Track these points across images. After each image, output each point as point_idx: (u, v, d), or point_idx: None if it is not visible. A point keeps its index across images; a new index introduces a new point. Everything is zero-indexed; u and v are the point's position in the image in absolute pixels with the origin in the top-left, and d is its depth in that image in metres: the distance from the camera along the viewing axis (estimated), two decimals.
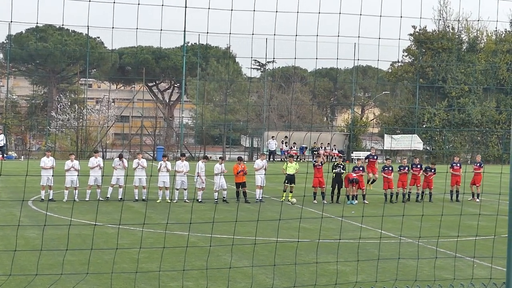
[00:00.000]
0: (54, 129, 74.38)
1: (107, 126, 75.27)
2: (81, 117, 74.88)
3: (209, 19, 11.66)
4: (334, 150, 70.94)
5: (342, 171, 32.08)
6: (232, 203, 30.27)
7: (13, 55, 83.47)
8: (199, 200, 30.42)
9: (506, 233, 9.97)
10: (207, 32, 12.52)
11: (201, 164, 31.03)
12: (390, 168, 32.97)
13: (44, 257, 16.26)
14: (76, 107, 76.59)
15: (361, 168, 32.82)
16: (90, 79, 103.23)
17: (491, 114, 78.67)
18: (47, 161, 30.25)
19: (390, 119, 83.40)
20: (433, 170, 33.74)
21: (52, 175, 29.14)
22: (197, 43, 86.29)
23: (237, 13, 11.55)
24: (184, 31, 71.17)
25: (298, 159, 69.14)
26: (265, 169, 32.04)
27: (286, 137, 73.67)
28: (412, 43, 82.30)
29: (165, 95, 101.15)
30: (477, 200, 33.32)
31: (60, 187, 30.75)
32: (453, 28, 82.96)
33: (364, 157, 36.47)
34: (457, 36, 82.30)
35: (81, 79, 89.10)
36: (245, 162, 32.90)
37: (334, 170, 31.93)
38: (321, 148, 71.57)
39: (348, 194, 31.87)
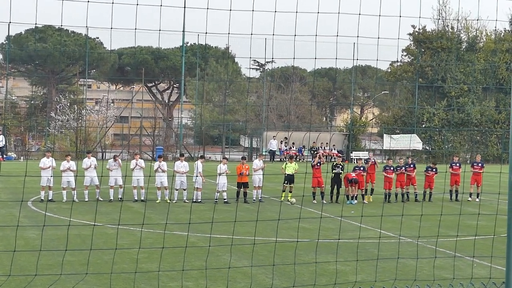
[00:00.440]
0: (53, 130, 74.34)
1: (107, 127, 75.26)
2: (80, 117, 74.85)
3: (208, 19, 11.66)
4: (333, 150, 70.94)
5: (341, 171, 32.07)
6: (232, 203, 30.26)
7: (12, 55, 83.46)
8: (199, 200, 30.39)
9: (505, 233, 9.98)
10: (206, 32, 12.53)
11: (200, 164, 31.02)
12: (392, 168, 32.96)
13: (43, 258, 16.26)
14: (76, 107, 76.56)
15: (361, 168, 32.77)
16: (89, 80, 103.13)
17: (491, 114, 78.68)
18: (47, 161, 30.27)
19: (390, 119, 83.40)
20: (434, 170, 33.75)
21: (52, 176, 29.14)
22: (196, 43, 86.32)
23: (236, 13, 11.56)
24: (183, 31, 71.24)
25: (298, 160, 69.18)
26: (262, 169, 32.00)
27: (285, 138, 73.63)
28: (411, 42, 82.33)
29: (164, 95, 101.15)
30: (477, 199, 33.27)
31: (60, 187, 30.75)
32: (452, 28, 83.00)
33: (364, 160, 36.12)
34: (456, 36, 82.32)
35: (80, 80, 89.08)
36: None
37: (333, 171, 31.93)
38: (321, 148, 71.57)
39: (347, 194, 31.85)
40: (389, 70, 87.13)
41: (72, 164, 30.49)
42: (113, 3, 10.63)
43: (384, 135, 77.42)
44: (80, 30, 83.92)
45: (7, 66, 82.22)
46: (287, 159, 37.00)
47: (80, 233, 20.85)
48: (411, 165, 33.80)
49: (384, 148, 76.51)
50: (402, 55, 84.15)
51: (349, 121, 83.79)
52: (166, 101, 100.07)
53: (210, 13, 11.40)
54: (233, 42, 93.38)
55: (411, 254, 17.73)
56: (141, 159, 32.52)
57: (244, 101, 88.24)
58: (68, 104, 78.14)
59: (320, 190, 31.75)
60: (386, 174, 32.78)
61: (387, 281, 14.57)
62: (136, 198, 30.78)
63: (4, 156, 64.27)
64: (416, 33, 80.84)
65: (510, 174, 9.86)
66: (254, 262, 16.18)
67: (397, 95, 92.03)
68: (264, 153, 57.82)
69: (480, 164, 34.31)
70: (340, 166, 32.27)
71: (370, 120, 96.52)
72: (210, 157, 73.48)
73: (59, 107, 77.23)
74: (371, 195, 32.76)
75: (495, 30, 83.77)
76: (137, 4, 10.75)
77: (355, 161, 59.08)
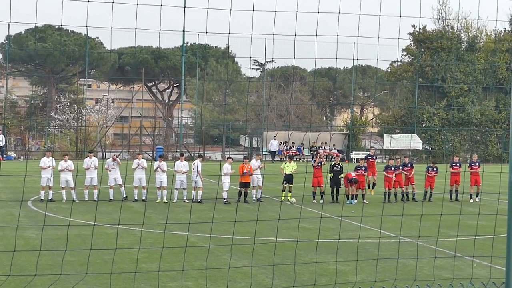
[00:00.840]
0: (53, 129, 74.35)
1: (107, 126, 75.26)
2: (80, 117, 74.86)
3: (208, 19, 11.65)
4: (333, 150, 70.94)
5: (339, 171, 32.01)
6: (232, 203, 30.26)
7: (12, 55, 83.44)
8: (199, 200, 30.38)
9: (505, 233, 9.97)
10: (206, 32, 12.52)
11: (199, 163, 31.00)
12: (392, 168, 32.94)
13: (43, 257, 16.26)
14: (76, 107, 76.56)
15: (363, 168, 32.73)
16: (89, 79, 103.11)
17: (491, 114, 78.68)
18: (47, 161, 30.27)
19: (390, 118, 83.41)
20: (435, 169, 33.72)
21: (52, 176, 29.14)
22: (196, 43, 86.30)
23: (236, 13, 11.55)
24: (183, 31, 71.18)
25: (298, 159, 69.18)
26: (260, 169, 31.97)
27: (285, 142, 73.43)
28: (412, 42, 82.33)
29: (164, 95, 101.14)
30: (477, 199, 33.20)
31: (60, 187, 30.75)
32: (452, 28, 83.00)
33: (363, 158, 36.09)
34: (456, 36, 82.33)
35: (80, 79, 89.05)
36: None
37: (332, 171, 31.89)
38: (321, 147, 71.57)
39: (347, 194, 31.84)
40: (389, 70, 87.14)
41: (70, 164, 30.49)
42: (113, 2, 10.63)
43: (384, 134, 77.43)
44: (80, 29, 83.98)
45: (7, 66, 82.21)
46: (286, 159, 37.00)
47: (80, 233, 20.85)
48: (409, 165, 33.76)
49: (384, 147, 76.52)
50: (402, 55, 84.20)
51: (349, 121, 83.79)
52: (166, 101, 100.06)
53: (210, 13, 11.39)
54: (233, 41, 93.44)
55: (411, 254, 17.72)
56: (144, 159, 32.54)
57: (244, 101, 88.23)
58: (68, 104, 78.14)
59: (320, 190, 31.75)
60: (386, 174, 32.77)
61: (387, 281, 14.56)
62: (136, 198, 30.77)
63: (4, 155, 64.29)
64: (416, 33, 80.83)
65: (510, 174, 9.86)
66: (254, 262, 16.18)
67: (397, 94, 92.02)
68: (264, 153, 57.80)
69: (477, 164, 34.27)
70: (339, 166, 32.26)
71: (370, 119, 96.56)
72: (210, 157, 73.53)
73: (59, 106, 77.24)
74: (373, 188, 32.80)
75: (495, 30, 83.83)
76: (137, 4, 10.74)
77: (356, 161, 59.03)
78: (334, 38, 11.86)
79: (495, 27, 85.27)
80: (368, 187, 33.00)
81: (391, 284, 13.92)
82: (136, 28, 11.84)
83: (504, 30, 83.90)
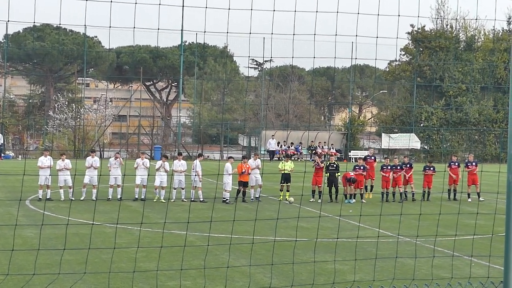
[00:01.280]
0: (51, 129, 74.35)
1: (105, 126, 75.25)
2: (78, 116, 74.87)
3: (207, 18, 11.64)
4: (331, 149, 70.98)
5: (335, 170, 31.98)
6: (231, 203, 30.26)
7: (10, 54, 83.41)
8: (201, 199, 30.37)
9: (504, 232, 9.97)
10: (205, 31, 12.52)
11: (199, 163, 30.98)
12: (389, 167, 32.95)
13: (41, 257, 16.25)
14: (74, 106, 76.58)
15: (361, 167, 32.71)
16: (87, 79, 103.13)
17: (489, 113, 78.75)
18: (45, 160, 30.25)
19: (388, 118, 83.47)
20: (432, 168, 33.72)
21: (50, 175, 29.13)
22: (195, 42, 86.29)
23: (235, 12, 11.56)
24: (182, 30, 71.24)
25: (296, 159, 69.21)
26: (259, 168, 31.96)
27: (284, 141, 73.42)
28: (410, 41, 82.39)
29: (163, 94, 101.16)
30: (481, 199, 33.09)
31: (58, 186, 30.74)
32: (451, 27, 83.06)
33: (362, 158, 35.96)
34: (454, 35, 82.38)
35: (78, 79, 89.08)
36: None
37: (327, 170, 31.89)
38: (318, 147, 71.62)
39: (346, 193, 31.86)
40: (387, 69, 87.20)
41: (67, 163, 30.50)
42: (111, 1, 10.61)
43: (383, 134, 77.48)
44: (78, 28, 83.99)
45: (5, 65, 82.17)
46: (283, 158, 37.01)
47: (78, 232, 20.83)
48: (407, 165, 33.73)
49: (382, 147, 76.58)
50: (400, 54, 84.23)
51: (347, 120, 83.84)
52: (165, 100, 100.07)
53: (208, 12, 11.38)
54: (231, 41, 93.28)
55: (410, 254, 17.74)
56: (146, 158, 32.53)
57: (242, 100, 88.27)
58: (66, 103, 78.16)
59: (318, 189, 31.78)
60: (383, 173, 32.76)
61: (385, 280, 14.57)
62: (136, 197, 30.76)
63: (2, 155, 64.28)
64: (415, 33, 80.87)
65: (509, 174, 9.85)
66: (252, 261, 16.18)
67: (396, 94, 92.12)
68: (262, 153, 57.81)
69: (474, 164, 34.21)
70: (334, 166, 32.23)
71: (369, 119, 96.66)
72: (208, 156, 73.54)
73: (57, 105, 77.24)
74: (370, 191, 32.68)
75: (494, 29, 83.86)
76: (136, 3, 10.73)
77: (354, 160, 59.04)
78: (332, 38, 11.87)
79: (493, 26, 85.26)
80: (366, 190, 32.84)
81: (389, 283, 13.92)
82: (134, 27, 11.84)
83: (502, 30, 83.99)
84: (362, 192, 32.41)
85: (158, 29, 12.03)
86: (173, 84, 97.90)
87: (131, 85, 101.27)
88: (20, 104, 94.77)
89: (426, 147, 79.05)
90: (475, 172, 33.43)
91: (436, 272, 15.44)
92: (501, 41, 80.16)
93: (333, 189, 31.99)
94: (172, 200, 30.31)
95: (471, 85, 78.31)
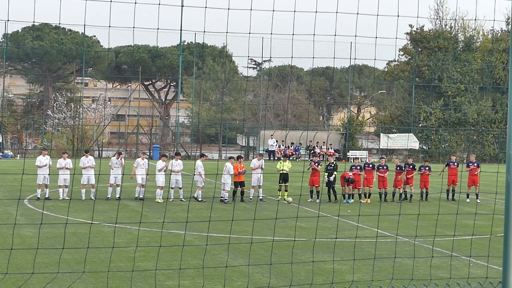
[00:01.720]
0: (50, 128, 74.36)
1: (103, 125, 75.24)
2: (77, 115, 74.86)
3: (206, 18, 11.65)
4: (330, 149, 71.01)
5: (334, 170, 31.97)
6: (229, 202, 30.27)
7: (9, 53, 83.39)
8: (200, 199, 30.37)
9: (502, 232, 9.98)
10: (204, 31, 12.51)
11: (200, 163, 30.95)
12: (385, 167, 32.91)
13: (40, 256, 16.25)
14: (72, 105, 76.59)
15: (358, 167, 32.71)
16: (86, 78, 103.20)
17: (487, 113, 78.81)
18: (43, 159, 30.23)
19: (386, 118, 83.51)
20: (427, 168, 33.67)
21: (49, 174, 29.11)
22: (194, 42, 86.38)
23: (234, 12, 11.57)
24: (181, 30, 71.30)
25: (294, 158, 69.23)
26: (262, 169, 31.95)
27: (282, 141, 73.42)
28: (409, 42, 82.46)
29: (161, 94, 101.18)
30: (478, 200, 33.11)
31: (56, 185, 30.74)
32: (450, 27, 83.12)
33: (361, 159, 35.83)
34: (453, 35, 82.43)
35: (77, 78, 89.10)
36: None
37: (327, 171, 31.87)
38: (317, 147, 71.64)
39: (344, 193, 31.88)
40: (386, 70, 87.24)
41: (69, 162, 30.48)
42: (111, 1, 10.62)
43: (381, 134, 77.52)
44: (77, 28, 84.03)
45: (4, 64, 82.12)
46: (282, 158, 36.99)
47: (77, 232, 20.82)
48: (410, 166, 33.68)
49: (381, 147, 76.61)
50: (399, 54, 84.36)
51: (346, 120, 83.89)
52: (163, 100, 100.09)
53: (207, 12, 11.40)
54: (230, 41, 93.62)
55: (408, 254, 17.75)
56: (146, 159, 32.49)
57: (241, 100, 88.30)
58: (65, 102, 78.15)
59: (316, 189, 31.80)
60: (379, 174, 32.73)
61: (383, 280, 14.57)
62: (137, 196, 30.74)
63: (1, 154, 64.26)
64: (414, 33, 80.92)
65: (507, 174, 9.87)
66: (250, 261, 16.19)
67: (394, 94, 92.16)
68: (261, 152, 57.80)
69: (475, 164, 34.14)
70: (333, 165, 32.22)
71: (367, 119, 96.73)
72: (206, 156, 73.48)
73: (56, 105, 77.24)
74: (368, 197, 32.49)
75: (492, 29, 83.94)
76: (135, 3, 10.74)
77: (352, 160, 59.06)
78: (331, 38, 11.95)
79: (492, 27, 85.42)
80: (365, 197, 32.65)
81: (387, 283, 13.93)
82: (133, 27, 11.84)
83: (501, 30, 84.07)
84: (361, 192, 32.39)
85: (157, 28, 12.04)
86: (171, 84, 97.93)
87: (129, 84, 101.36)
88: (19, 103, 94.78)
89: (424, 147, 79.09)
90: (476, 173, 33.39)
91: (435, 272, 15.45)
92: (500, 42, 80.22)
93: (331, 191, 31.98)
94: (171, 200, 30.29)
95: (470, 86, 78.37)
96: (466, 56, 79.46)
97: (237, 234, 21.09)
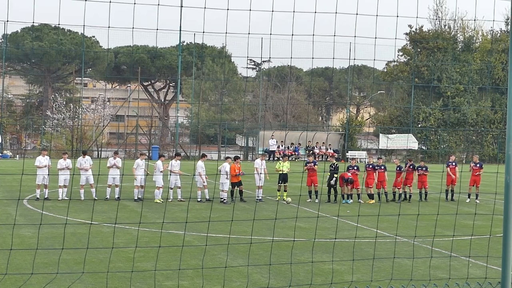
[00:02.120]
0: (49, 128, 74.35)
1: (103, 125, 75.24)
2: (76, 116, 74.86)
3: (205, 19, 11.65)
4: (329, 150, 71.02)
5: (335, 171, 31.97)
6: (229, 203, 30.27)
7: (8, 54, 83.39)
8: (199, 199, 30.36)
9: (501, 233, 9.98)
10: (203, 32, 12.53)
11: (201, 164, 30.94)
12: (382, 167, 32.88)
13: (39, 256, 16.24)
14: (72, 106, 76.58)
15: (355, 168, 32.71)
16: (85, 78, 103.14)
17: (486, 114, 78.83)
18: (43, 160, 30.22)
19: (386, 118, 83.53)
20: (424, 168, 33.61)
21: (48, 174, 29.10)
22: (193, 43, 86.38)
23: (233, 13, 11.57)
24: (180, 30, 71.25)
25: (294, 159, 69.23)
26: (264, 169, 31.95)
27: (282, 141, 73.45)
28: (408, 42, 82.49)
29: (161, 94, 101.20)
30: (477, 200, 33.11)
31: (56, 186, 30.73)
32: (449, 28, 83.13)
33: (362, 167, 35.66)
34: (452, 36, 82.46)
35: (76, 78, 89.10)
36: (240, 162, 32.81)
37: (330, 171, 31.86)
38: (316, 147, 71.65)
39: (343, 193, 31.89)
40: (385, 70, 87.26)
41: (69, 162, 30.46)
42: (110, 2, 10.62)
43: (380, 134, 77.53)
44: (77, 28, 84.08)
45: (4, 65, 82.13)
46: (281, 158, 36.99)
47: (76, 232, 20.82)
48: (411, 166, 33.66)
49: (380, 147, 76.63)
50: (398, 55, 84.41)
51: (345, 121, 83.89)
52: (162, 100, 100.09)
53: (207, 12, 11.39)
54: (229, 41, 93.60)
55: (407, 254, 17.74)
56: (145, 159, 32.45)
57: (240, 100, 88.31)
58: (64, 103, 78.17)
59: (314, 189, 31.80)
60: (379, 172, 32.69)
61: (383, 280, 14.58)
62: (136, 197, 30.71)
63: (0, 154, 64.24)
64: (413, 33, 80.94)
65: (506, 175, 9.87)
66: (250, 261, 16.18)
67: (393, 94, 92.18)
68: (262, 153, 57.82)
69: (478, 165, 34.06)
70: (334, 166, 32.23)
71: (366, 119, 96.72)
72: (207, 156, 73.48)
73: (55, 105, 77.24)
74: (372, 199, 32.42)
75: (492, 30, 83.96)
76: (135, 3, 10.74)
77: (350, 161, 59.08)
78: (330, 38, 11.94)
79: (492, 27, 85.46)
80: (368, 198, 32.61)
81: (387, 283, 13.93)
82: (133, 28, 11.84)
83: (501, 31, 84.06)
84: (359, 192, 32.38)
85: (157, 29, 12.04)
86: (171, 84, 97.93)
87: (129, 85, 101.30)
88: (18, 103, 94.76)
89: (423, 147, 79.10)
90: (477, 173, 33.37)
91: (434, 272, 15.45)
92: (499, 42, 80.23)
93: (332, 190, 31.98)
94: (170, 200, 30.28)
95: (469, 86, 78.40)
96: (465, 57, 79.48)
97: (236, 234, 21.08)
